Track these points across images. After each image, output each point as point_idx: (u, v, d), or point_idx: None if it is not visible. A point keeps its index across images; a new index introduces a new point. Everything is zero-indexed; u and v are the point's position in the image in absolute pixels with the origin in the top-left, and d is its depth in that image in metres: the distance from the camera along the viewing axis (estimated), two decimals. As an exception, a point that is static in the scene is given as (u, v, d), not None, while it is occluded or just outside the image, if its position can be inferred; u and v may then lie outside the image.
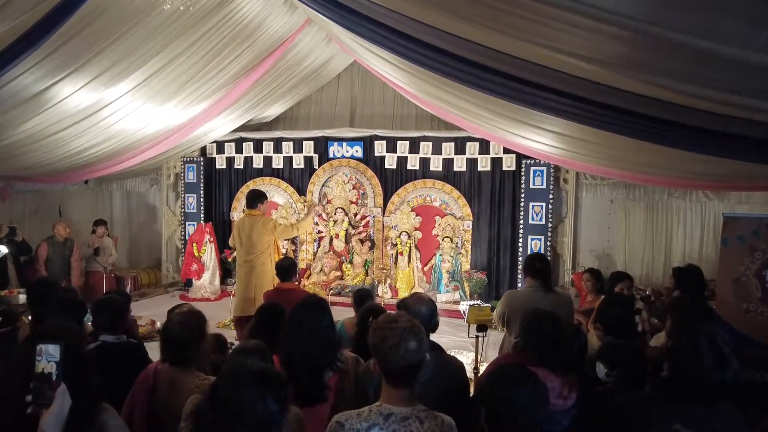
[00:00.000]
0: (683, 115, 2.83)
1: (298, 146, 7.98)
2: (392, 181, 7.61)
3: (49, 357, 1.41)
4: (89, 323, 3.09)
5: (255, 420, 1.31)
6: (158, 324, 5.75)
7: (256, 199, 5.39)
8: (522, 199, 6.94)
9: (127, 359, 2.51)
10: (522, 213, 6.95)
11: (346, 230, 7.79)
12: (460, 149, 7.24)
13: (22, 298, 5.32)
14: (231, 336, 4.60)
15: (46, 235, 7.25)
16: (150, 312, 6.31)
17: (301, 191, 8.00)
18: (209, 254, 7.77)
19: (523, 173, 6.91)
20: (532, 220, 6.91)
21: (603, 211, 7.06)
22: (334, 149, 7.81)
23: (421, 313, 2.28)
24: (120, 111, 5.73)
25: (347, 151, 7.75)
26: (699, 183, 5.37)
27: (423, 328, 1.76)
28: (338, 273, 7.78)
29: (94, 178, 8.50)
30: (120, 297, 2.91)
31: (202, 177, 8.39)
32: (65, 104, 5.15)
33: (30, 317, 3.14)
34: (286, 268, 4.36)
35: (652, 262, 6.79)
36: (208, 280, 7.76)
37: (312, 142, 7.90)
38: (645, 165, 4.72)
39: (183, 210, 8.52)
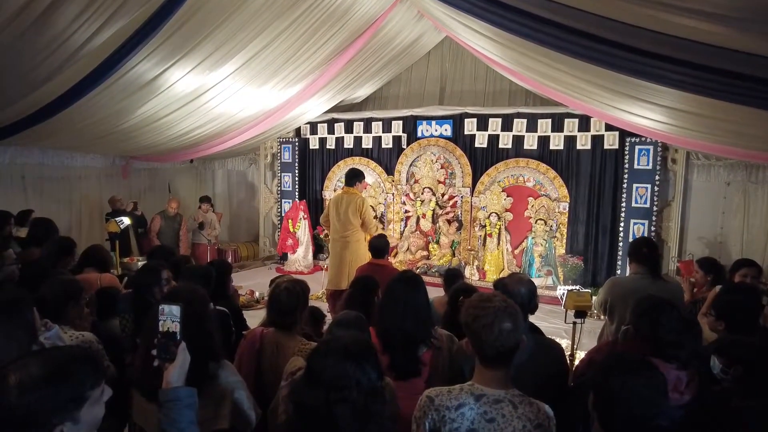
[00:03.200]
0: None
1: (387, 126, 8.03)
2: (482, 160, 7.42)
3: (172, 317, 1.54)
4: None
5: (362, 393, 1.32)
6: (257, 294, 6.12)
7: (355, 177, 5.46)
8: (625, 180, 6.48)
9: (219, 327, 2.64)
10: (624, 195, 6.50)
11: (434, 210, 7.75)
12: (557, 126, 6.88)
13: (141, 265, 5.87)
14: (323, 308, 4.77)
15: (157, 209, 7.95)
16: (249, 283, 6.72)
17: (389, 171, 8.06)
18: (303, 230, 8.11)
19: (626, 152, 6.44)
20: (636, 203, 6.44)
21: (716, 194, 6.41)
22: (422, 128, 7.76)
23: (520, 293, 2.21)
24: (221, 94, 6.08)
25: (436, 130, 7.66)
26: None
27: (519, 308, 1.68)
28: (424, 253, 7.79)
29: (199, 158, 9.15)
30: (208, 266, 3.06)
31: (297, 157, 8.73)
32: (174, 89, 5.55)
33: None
34: (381, 246, 4.44)
35: (777, 253, 6.07)
36: (302, 255, 8.11)
37: (401, 122, 7.90)
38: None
39: (279, 188, 8.94)
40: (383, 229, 8.13)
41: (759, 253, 6.06)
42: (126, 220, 5.98)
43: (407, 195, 7.95)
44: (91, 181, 7.75)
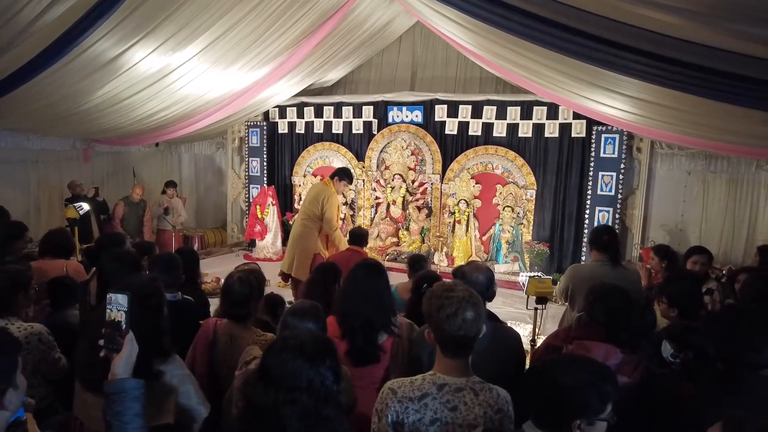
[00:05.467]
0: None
1: (357, 111, 7.94)
2: (452, 147, 7.43)
3: (118, 306, 1.48)
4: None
5: (313, 395, 1.27)
6: (223, 281, 6.02)
7: (340, 175, 5.40)
8: (591, 169, 6.59)
9: (184, 317, 2.58)
10: (590, 183, 6.61)
11: (404, 197, 7.75)
12: (526, 114, 6.93)
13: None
14: (288, 296, 4.74)
15: (121, 194, 7.73)
16: (215, 270, 6.61)
17: (360, 156, 8.00)
18: (272, 216, 7.99)
19: (593, 141, 6.54)
20: (601, 190, 6.56)
21: (678, 183, 6.59)
22: (393, 114, 7.71)
23: (478, 281, 2.22)
24: (186, 75, 5.90)
25: (407, 116, 7.62)
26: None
27: (481, 298, 1.69)
28: (394, 239, 7.80)
29: (164, 142, 8.90)
30: (178, 255, 3.00)
31: (265, 141, 8.57)
32: (137, 69, 5.35)
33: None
34: (361, 234, 4.72)
35: (732, 240, 6.30)
36: (270, 242, 8.01)
37: (371, 107, 7.83)
38: (733, 133, 4.31)
39: (247, 173, 8.78)
40: (353, 217, 8.09)
41: (715, 240, 6.29)
42: (85, 206, 5.79)
43: (378, 181, 7.92)
44: (50, 165, 7.46)
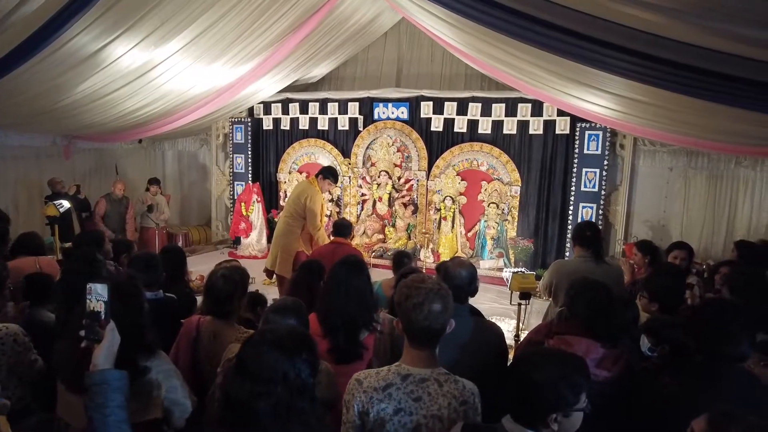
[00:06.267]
0: (761, 72, 2.56)
1: (343, 107, 7.91)
2: (438, 143, 7.44)
3: (97, 296, 1.46)
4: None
5: (287, 388, 1.26)
6: (207, 279, 5.96)
7: (325, 173, 5.36)
8: (575, 165, 6.65)
9: (166, 315, 2.55)
10: (574, 179, 6.67)
11: (390, 194, 7.75)
12: (511, 111, 6.96)
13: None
14: (274, 293, 4.72)
15: (104, 192, 7.60)
16: (200, 268, 6.53)
17: (346, 153, 7.97)
18: (257, 214, 7.94)
19: (577, 137, 6.60)
20: (585, 187, 6.62)
21: (661, 179, 6.68)
22: (379, 110, 7.70)
23: (460, 276, 2.23)
24: (170, 71, 5.81)
25: (392, 113, 7.62)
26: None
27: (450, 292, 1.70)
28: (381, 236, 7.80)
29: (148, 138, 8.78)
30: (157, 254, 2.97)
31: (249, 137, 8.50)
32: (118, 64, 5.26)
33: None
34: (345, 225, 4.62)
35: (712, 236, 6.41)
36: (255, 239, 7.96)
37: (357, 103, 7.80)
38: (714, 130, 4.38)
39: (232, 170, 8.70)
40: (339, 213, 8.07)
41: (696, 235, 6.39)
42: (65, 204, 5.69)
43: (364, 178, 7.91)
44: (30, 162, 7.31)
